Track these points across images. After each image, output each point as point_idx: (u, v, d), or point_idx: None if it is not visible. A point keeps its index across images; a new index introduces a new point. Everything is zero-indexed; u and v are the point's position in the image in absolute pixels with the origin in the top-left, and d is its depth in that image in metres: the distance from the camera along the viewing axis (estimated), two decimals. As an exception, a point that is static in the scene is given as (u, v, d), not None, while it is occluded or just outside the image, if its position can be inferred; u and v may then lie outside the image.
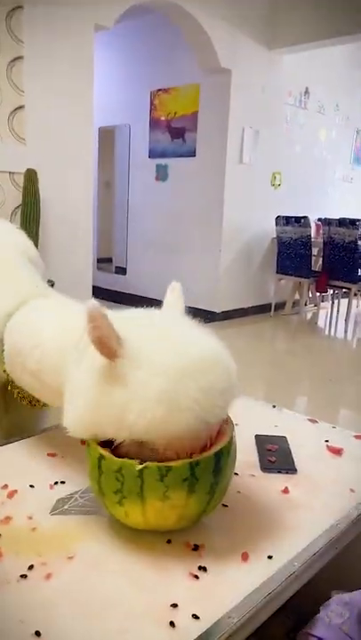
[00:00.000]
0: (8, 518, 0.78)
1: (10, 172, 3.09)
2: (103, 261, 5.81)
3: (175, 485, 0.68)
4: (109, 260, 5.87)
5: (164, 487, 0.68)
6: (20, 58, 3.00)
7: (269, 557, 0.73)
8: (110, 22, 3.43)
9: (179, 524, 0.73)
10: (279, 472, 0.95)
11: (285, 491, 0.89)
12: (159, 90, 4.92)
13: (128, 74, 5.19)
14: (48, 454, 0.98)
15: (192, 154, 4.75)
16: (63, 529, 0.77)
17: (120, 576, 0.68)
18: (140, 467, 0.68)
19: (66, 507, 0.82)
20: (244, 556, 0.72)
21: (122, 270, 5.61)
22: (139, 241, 5.37)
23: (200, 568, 0.70)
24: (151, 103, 5.00)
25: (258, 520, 0.81)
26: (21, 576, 0.67)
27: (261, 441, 1.05)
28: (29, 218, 3.05)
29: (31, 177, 3.06)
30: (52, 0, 3.10)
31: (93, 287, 3.79)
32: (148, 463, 0.68)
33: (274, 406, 1.28)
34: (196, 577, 0.68)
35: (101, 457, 0.71)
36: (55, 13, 3.13)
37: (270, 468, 0.96)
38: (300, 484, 0.92)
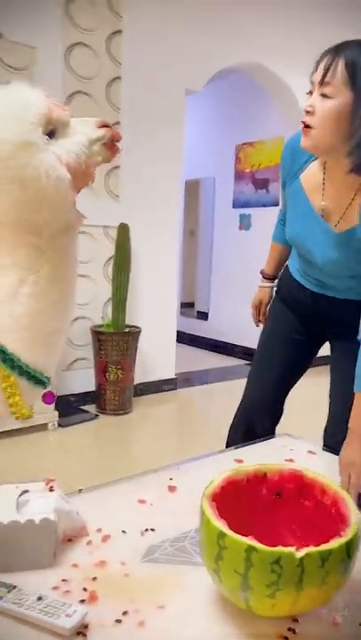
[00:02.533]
0: (103, 562, 0.82)
1: (104, 226, 3.32)
2: (185, 306, 5.96)
3: (334, 569, 0.65)
4: (191, 305, 6.00)
5: (325, 572, 0.64)
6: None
7: (361, 626, 0.71)
8: (199, 86, 3.66)
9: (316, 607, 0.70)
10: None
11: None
12: (244, 144, 5.10)
13: (214, 130, 5.44)
14: (138, 501, 1.02)
15: (276, 203, 4.82)
16: (154, 577, 0.80)
17: (210, 631, 0.70)
18: (302, 554, 0.63)
19: (156, 555, 0.85)
20: (335, 622, 0.71)
21: (204, 315, 5.71)
22: (221, 287, 5.46)
23: (290, 630, 0.70)
24: (236, 156, 5.18)
25: (349, 584, 0.79)
26: (116, 621, 0.70)
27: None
28: (121, 268, 3.24)
29: (124, 231, 3.26)
30: (147, 69, 3.38)
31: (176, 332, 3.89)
32: (309, 549, 0.63)
33: None
34: (286, 638, 0.68)
35: (252, 548, 0.63)
36: (149, 81, 3.40)
37: None
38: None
